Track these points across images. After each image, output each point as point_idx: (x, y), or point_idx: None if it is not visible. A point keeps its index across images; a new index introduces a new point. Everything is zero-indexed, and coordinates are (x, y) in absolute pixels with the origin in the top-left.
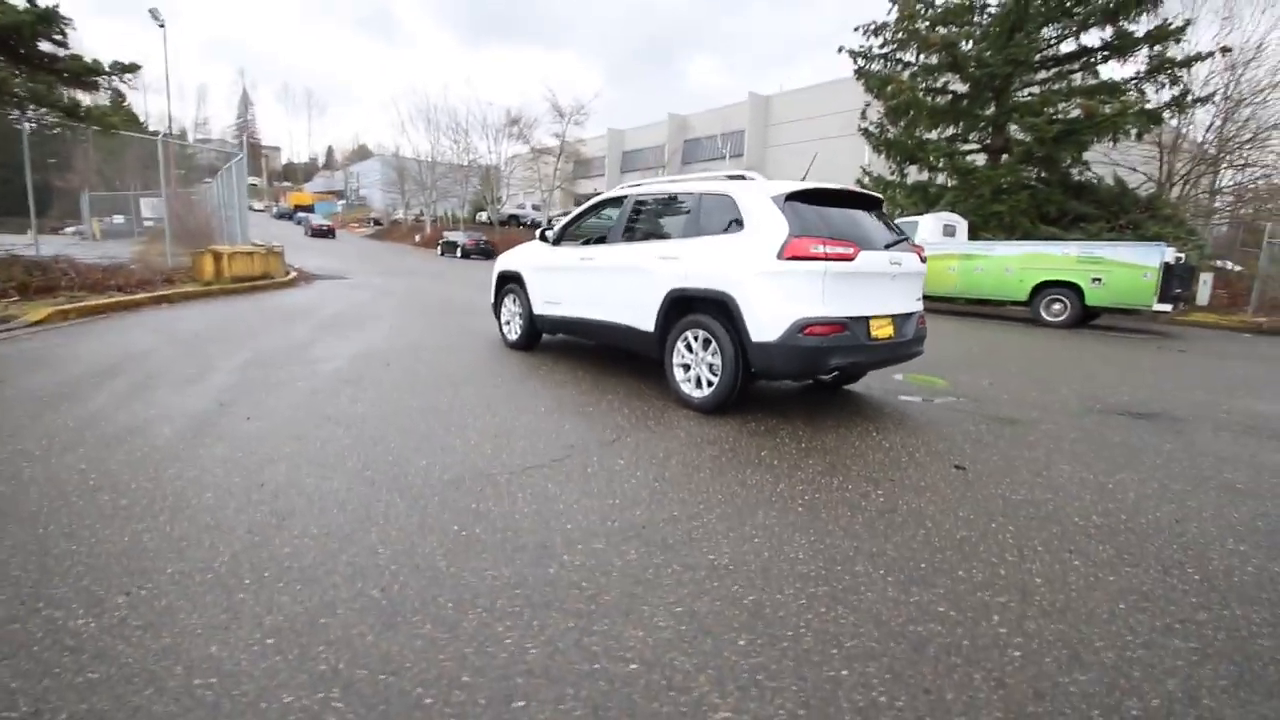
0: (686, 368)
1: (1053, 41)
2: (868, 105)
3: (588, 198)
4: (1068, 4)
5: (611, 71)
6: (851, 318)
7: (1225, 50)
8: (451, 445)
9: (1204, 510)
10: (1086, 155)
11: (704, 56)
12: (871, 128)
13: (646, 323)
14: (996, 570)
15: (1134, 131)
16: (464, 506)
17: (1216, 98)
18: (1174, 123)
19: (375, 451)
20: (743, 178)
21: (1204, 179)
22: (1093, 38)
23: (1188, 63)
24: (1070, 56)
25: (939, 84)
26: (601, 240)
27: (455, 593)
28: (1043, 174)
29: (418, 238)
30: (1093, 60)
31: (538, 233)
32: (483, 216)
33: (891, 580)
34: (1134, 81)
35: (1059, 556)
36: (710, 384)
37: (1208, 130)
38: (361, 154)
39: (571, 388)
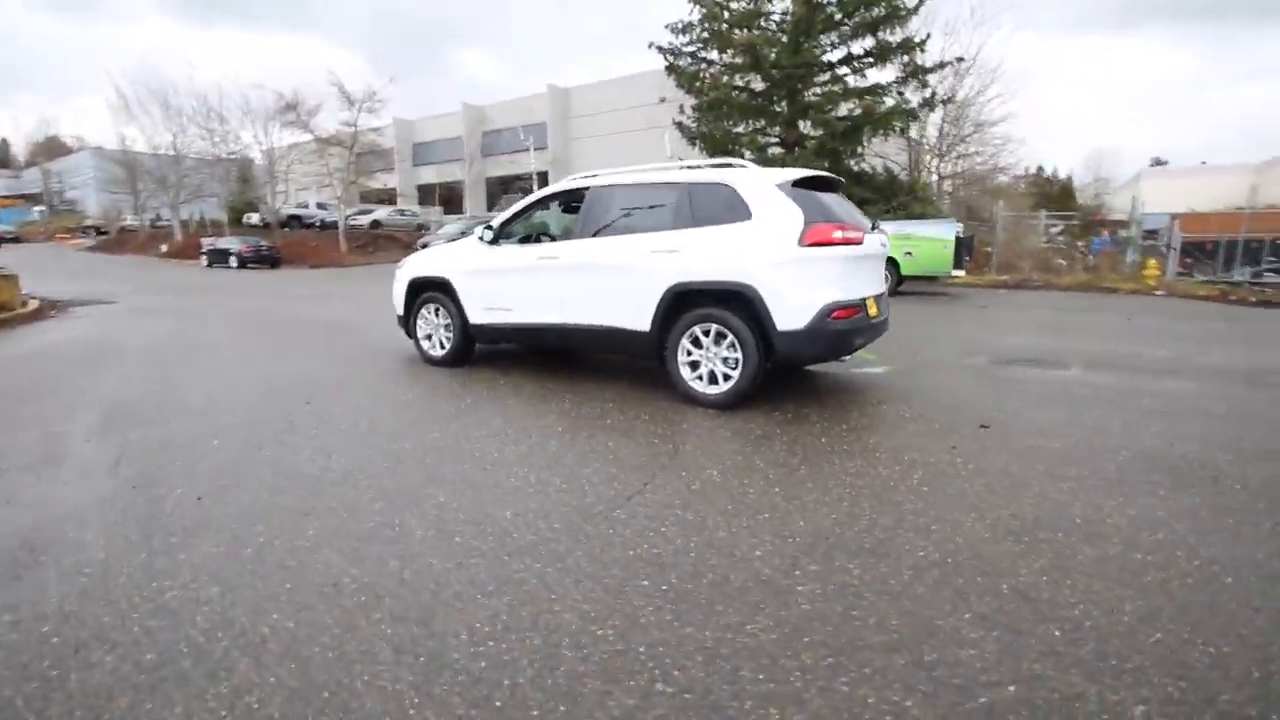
0: (695, 364)
1: (829, 48)
2: (663, 100)
3: (381, 193)
4: (837, 17)
5: (372, 60)
6: (862, 298)
7: (960, 60)
8: (511, 486)
9: (1162, 433)
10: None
11: (472, 49)
12: (688, 121)
13: (639, 322)
14: (1128, 513)
15: (899, 128)
16: (618, 557)
17: (950, 101)
18: (915, 125)
19: (429, 509)
20: (730, 166)
21: (936, 168)
22: (859, 47)
23: (933, 70)
24: (843, 61)
25: (743, 82)
26: (550, 236)
27: (742, 658)
28: (827, 165)
29: (164, 247)
30: (859, 66)
31: (476, 231)
32: (253, 219)
33: (1077, 539)
34: (894, 85)
35: (1154, 493)
36: (727, 378)
37: (939, 129)
38: (54, 148)
39: (559, 400)
